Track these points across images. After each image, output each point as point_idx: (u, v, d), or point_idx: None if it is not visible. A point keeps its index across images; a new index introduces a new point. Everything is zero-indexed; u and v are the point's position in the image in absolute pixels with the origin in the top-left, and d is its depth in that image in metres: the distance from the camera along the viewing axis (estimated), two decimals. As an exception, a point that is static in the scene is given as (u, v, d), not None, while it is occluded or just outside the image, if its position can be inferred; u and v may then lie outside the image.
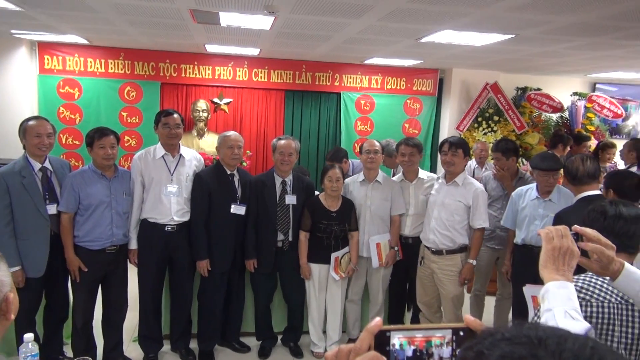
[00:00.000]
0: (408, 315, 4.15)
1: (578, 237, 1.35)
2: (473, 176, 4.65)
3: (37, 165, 3.16)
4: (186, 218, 3.47)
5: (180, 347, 3.64)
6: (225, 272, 3.58)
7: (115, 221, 3.25)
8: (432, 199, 3.58)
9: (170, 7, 3.68)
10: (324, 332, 3.80)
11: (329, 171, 3.59)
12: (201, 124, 6.21)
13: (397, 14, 3.51)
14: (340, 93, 6.81)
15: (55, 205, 3.17)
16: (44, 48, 5.99)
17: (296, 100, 6.79)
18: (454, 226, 3.44)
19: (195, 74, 6.40)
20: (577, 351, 0.53)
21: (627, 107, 7.28)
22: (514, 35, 4.07)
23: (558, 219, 2.94)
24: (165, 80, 6.35)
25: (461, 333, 0.77)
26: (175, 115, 3.46)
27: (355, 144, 6.65)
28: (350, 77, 6.78)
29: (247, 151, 6.08)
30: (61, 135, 6.04)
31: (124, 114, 6.27)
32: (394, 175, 4.37)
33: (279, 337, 3.92)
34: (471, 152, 5.41)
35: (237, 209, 3.52)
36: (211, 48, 5.85)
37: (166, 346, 3.67)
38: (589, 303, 1.58)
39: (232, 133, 3.61)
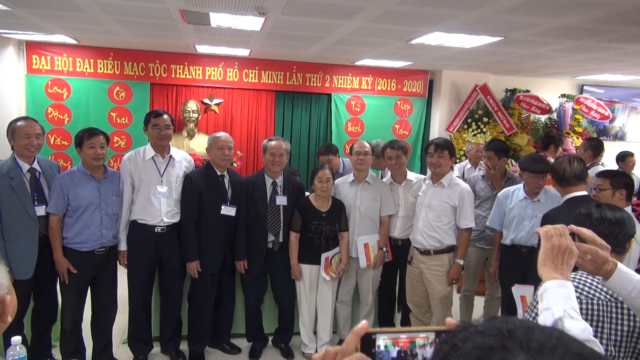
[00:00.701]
0: (398, 316, 4.17)
1: (573, 237, 1.37)
2: (463, 177, 4.69)
3: (25, 167, 3.13)
4: (176, 219, 3.46)
5: (171, 348, 3.62)
6: (216, 273, 3.57)
7: (105, 222, 3.23)
8: (419, 200, 3.61)
9: (159, 7, 3.67)
10: (315, 332, 3.81)
11: (319, 172, 3.59)
12: (191, 125, 6.18)
13: (388, 15, 3.53)
14: (331, 94, 6.82)
15: (44, 206, 3.14)
16: (32, 48, 5.93)
17: (287, 101, 6.79)
18: (441, 227, 3.46)
19: (186, 75, 6.37)
20: (543, 340, 0.56)
21: (613, 109, 7.37)
22: (502, 38, 4.11)
23: (546, 219, 2.97)
24: (155, 81, 6.31)
25: (444, 335, 0.79)
26: (165, 116, 3.45)
27: (346, 145, 6.67)
28: (341, 78, 6.80)
29: (238, 152, 6.07)
30: (50, 136, 5.98)
31: (114, 114, 6.23)
32: (382, 177, 4.39)
33: (270, 338, 3.92)
34: (465, 153, 5.45)
35: (228, 210, 3.51)
36: (201, 48, 5.83)
37: (156, 348, 3.65)
38: (578, 300, 1.60)
39: (222, 134, 3.61)
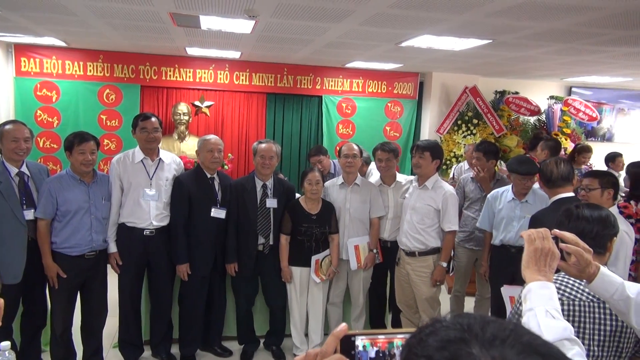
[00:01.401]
0: (389, 317, 4.19)
1: (557, 240, 1.40)
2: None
3: (13, 170, 3.10)
4: (165, 222, 3.45)
5: (162, 352, 3.61)
6: (206, 276, 3.57)
7: (94, 227, 3.21)
8: (405, 202, 3.64)
9: (149, 10, 3.66)
10: (306, 335, 3.81)
11: (309, 174, 3.60)
12: (182, 127, 6.17)
13: (378, 19, 3.55)
14: (321, 96, 6.83)
15: (33, 210, 3.11)
16: (20, 50, 5.89)
17: (278, 104, 6.79)
18: (425, 229, 3.49)
19: (176, 77, 6.36)
20: (496, 332, 0.61)
21: (601, 111, 7.46)
22: (491, 41, 4.15)
23: (534, 220, 3.01)
24: (145, 83, 6.29)
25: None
26: (153, 119, 3.44)
27: (337, 147, 6.67)
28: (332, 81, 6.82)
29: (229, 154, 6.06)
30: (39, 139, 5.94)
31: (104, 117, 6.20)
32: None
33: (261, 340, 3.92)
34: (463, 154, 5.48)
35: (218, 213, 3.51)
36: (192, 51, 5.82)
37: (147, 352, 3.64)
38: (560, 301, 1.63)
39: (212, 137, 3.61)
